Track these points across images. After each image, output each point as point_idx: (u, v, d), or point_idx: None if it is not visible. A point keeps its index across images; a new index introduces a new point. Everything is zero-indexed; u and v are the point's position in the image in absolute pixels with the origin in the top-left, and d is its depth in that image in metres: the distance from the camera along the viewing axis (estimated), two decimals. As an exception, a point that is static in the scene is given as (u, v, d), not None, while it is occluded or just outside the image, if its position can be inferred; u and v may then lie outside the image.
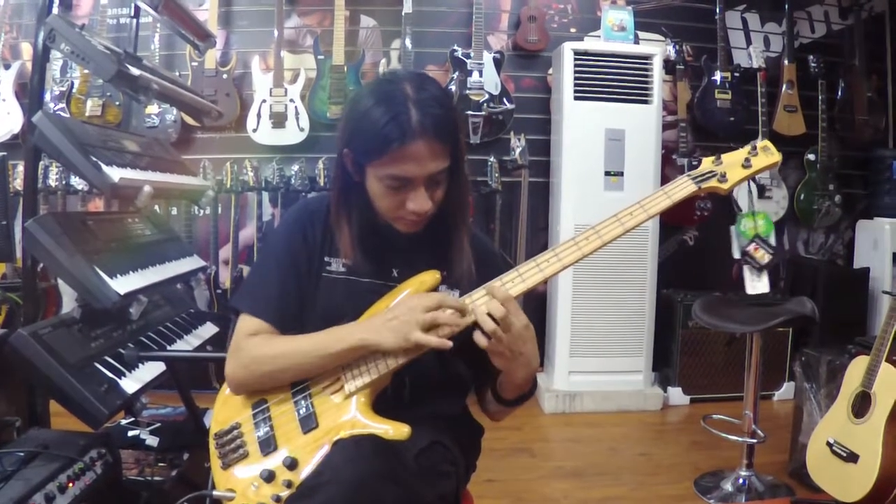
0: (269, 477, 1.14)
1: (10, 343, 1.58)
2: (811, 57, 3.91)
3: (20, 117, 3.45)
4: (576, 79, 3.46)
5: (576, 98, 3.47)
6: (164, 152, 2.45)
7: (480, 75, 3.63)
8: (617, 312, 3.52)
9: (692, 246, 4.00)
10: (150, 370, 1.84)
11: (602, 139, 3.46)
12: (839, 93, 4.02)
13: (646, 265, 3.52)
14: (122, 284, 1.74)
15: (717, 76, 3.86)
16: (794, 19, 4.02)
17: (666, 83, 3.81)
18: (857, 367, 2.19)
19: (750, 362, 2.60)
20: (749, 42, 4.04)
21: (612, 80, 3.47)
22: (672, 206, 1.24)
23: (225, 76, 3.62)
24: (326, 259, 1.32)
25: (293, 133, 3.56)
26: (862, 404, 2.13)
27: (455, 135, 1.21)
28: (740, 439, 2.60)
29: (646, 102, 3.51)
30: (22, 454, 1.48)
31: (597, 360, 3.54)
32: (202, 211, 3.46)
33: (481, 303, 1.17)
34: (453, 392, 1.38)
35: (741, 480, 2.59)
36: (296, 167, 3.54)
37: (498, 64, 3.67)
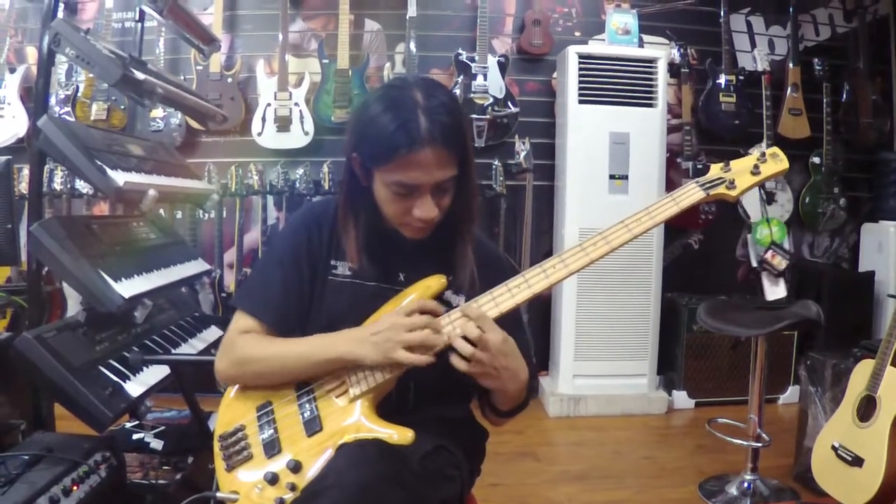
0: (272, 479, 1.14)
1: (14, 346, 1.58)
2: (816, 60, 3.90)
3: (25, 121, 3.47)
4: (580, 82, 3.46)
5: (580, 101, 3.46)
6: (169, 156, 2.46)
7: (485, 79, 3.63)
8: (621, 316, 3.51)
9: (697, 249, 3.99)
10: (154, 374, 1.85)
11: (606, 142, 3.45)
12: (844, 96, 4.01)
13: (651, 269, 3.51)
14: (127, 288, 1.74)
15: (722, 79, 3.85)
16: (799, 22, 4.01)
17: (670, 86, 3.80)
18: (862, 371, 2.19)
19: (755, 366, 2.60)
20: (753, 45, 4.03)
21: (616, 84, 3.47)
22: (680, 213, 1.24)
23: (229, 80, 3.63)
24: (332, 262, 1.32)
25: (298, 137, 3.57)
26: (867, 408, 2.13)
27: (463, 142, 1.21)
28: (745, 443, 2.60)
29: (650, 106, 3.50)
30: (26, 457, 1.48)
31: (601, 363, 3.53)
32: (207, 215, 3.45)
33: (457, 325, 1.17)
34: (457, 396, 1.37)
35: (746, 484, 2.58)
36: (300, 171, 3.54)
37: (502, 67, 3.67)
